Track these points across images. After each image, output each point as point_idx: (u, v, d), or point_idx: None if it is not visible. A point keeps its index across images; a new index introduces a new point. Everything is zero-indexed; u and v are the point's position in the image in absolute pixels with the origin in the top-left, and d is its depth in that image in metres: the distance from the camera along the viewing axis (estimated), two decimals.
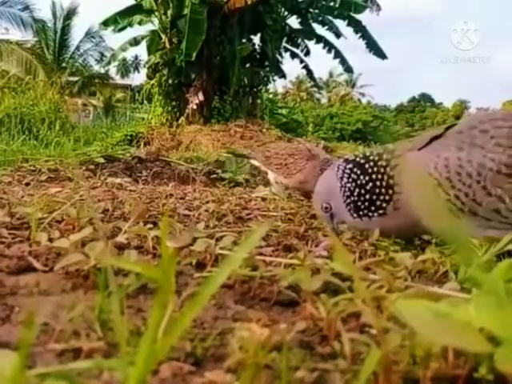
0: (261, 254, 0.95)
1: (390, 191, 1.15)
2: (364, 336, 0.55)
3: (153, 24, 12.02)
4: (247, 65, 11.92)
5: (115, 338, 0.55)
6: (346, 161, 1.23)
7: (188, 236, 1.01)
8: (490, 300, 0.44)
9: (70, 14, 19.72)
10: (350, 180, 1.20)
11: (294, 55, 13.27)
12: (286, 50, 13.18)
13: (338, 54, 12.79)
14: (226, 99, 11.43)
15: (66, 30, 19.92)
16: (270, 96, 15.92)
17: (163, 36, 11.39)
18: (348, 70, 13.45)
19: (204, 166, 3.52)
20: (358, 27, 12.41)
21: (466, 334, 0.42)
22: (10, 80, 9.59)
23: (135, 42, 12.70)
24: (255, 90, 12.07)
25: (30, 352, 0.52)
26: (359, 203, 1.19)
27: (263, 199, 1.96)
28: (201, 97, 11.15)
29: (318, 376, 0.50)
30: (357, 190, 1.19)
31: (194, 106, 11.16)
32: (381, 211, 1.16)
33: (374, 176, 1.17)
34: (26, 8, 18.03)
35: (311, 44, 13.05)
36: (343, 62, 12.91)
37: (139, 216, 1.19)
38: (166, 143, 9.88)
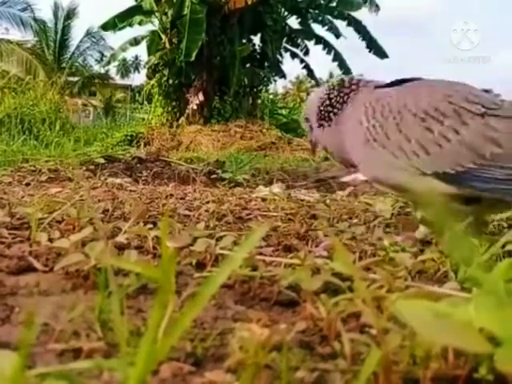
0: (261, 254, 0.95)
1: (339, 106, 1.32)
2: (364, 336, 0.55)
3: (153, 24, 12.03)
4: (247, 65, 11.91)
5: (115, 338, 0.55)
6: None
7: (188, 236, 1.01)
8: (489, 300, 0.44)
9: (70, 14, 19.73)
10: (324, 94, 1.37)
11: (294, 55, 13.27)
12: (286, 50, 13.18)
13: (338, 56, 12.78)
14: (226, 99, 11.42)
15: (66, 30, 19.93)
16: (270, 96, 15.91)
17: (163, 36, 11.39)
18: (347, 72, 13.42)
19: (204, 167, 3.52)
20: (358, 27, 12.40)
21: (466, 334, 0.42)
22: (11, 80, 9.59)
23: (135, 42, 12.70)
24: (255, 90, 12.07)
25: (30, 352, 0.52)
26: (322, 112, 1.35)
27: (263, 199, 1.96)
28: (201, 97, 11.14)
29: (317, 376, 0.50)
30: (327, 101, 1.35)
31: (194, 107, 11.16)
32: (330, 122, 1.33)
33: (340, 94, 1.33)
34: (26, 8, 18.05)
35: (311, 44, 13.06)
36: (342, 64, 12.89)
37: (139, 216, 1.19)
38: (166, 143, 9.88)
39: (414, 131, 1.13)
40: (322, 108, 1.35)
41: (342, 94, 1.33)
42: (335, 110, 1.32)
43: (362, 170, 1.31)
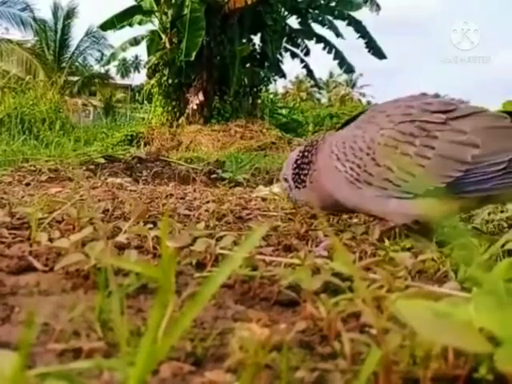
0: (261, 254, 0.95)
1: (308, 167, 1.36)
2: (364, 336, 0.55)
3: (153, 24, 12.03)
4: (247, 65, 11.91)
5: (115, 338, 0.55)
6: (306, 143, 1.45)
7: (188, 236, 1.01)
8: (490, 300, 0.44)
9: (70, 13, 19.73)
10: (295, 157, 1.43)
11: (294, 55, 13.27)
12: (286, 49, 13.18)
13: (338, 55, 12.78)
14: (226, 99, 11.43)
15: (66, 29, 19.93)
16: (271, 96, 15.91)
17: (163, 36, 11.39)
18: (348, 70, 13.42)
19: (204, 166, 3.52)
20: (358, 27, 12.40)
21: (466, 334, 0.42)
22: (11, 80, 9.59)
23: (135, 41, 12.70)
24: (255, 90, 12.07)
25: (30, 352, 0.52)
26: (294, 176, 1.42)
27: (263, 199, 1.96)
28: (201, 97, 11.15)
29: (318, 376, 0.50)
30: (294, 165, 1.41)
31: (195, 106, 11.16)
32: (304, 184, 1.38)
33: (305, 154, 1.39)
34: (26, 8, 18.05)
35: (311, 44, 13.06)
36: (343, 62, 12.89)
37: (139, 216, 1.19)
38: (167, 143, 9.89)
39: (391, 160, 1.15)
40: (294, 172, 1.42)
41: (306, 154, 1.38)
42: (304, 172, 1.38)
43: (358, 209, 1.33)
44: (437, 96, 1.27)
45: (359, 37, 12.43)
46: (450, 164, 1.11)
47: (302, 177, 1.38)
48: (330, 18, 12.66)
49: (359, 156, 1.20)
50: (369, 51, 12.60)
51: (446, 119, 1.13)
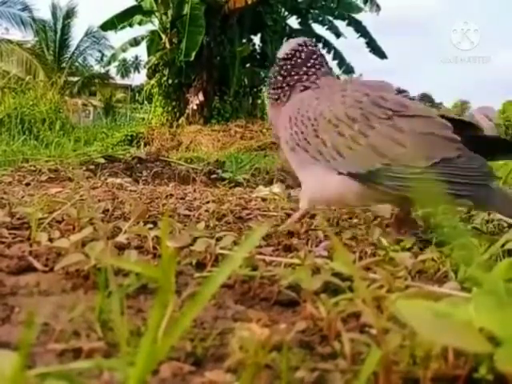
0: (261, 254, 0.95)
1: (288, 88, 1.39)
2: (364, 336, 0.55)
3: (153, 24, 12.03)
4: (247, 65, 11.91)
5: (115, 338, 0.55)
6: None
7: (188, 236, 1.01)
8: (490, 300, 0.44)
9: (69, 13, 19.72)
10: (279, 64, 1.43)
11: None
12: None
13: (338, 55, 12.78)
14: (226, 99, 11.42)
15: (65, 29, 19.91)
16: None
17: (163, 36, 11.39)
18: (347, 71, 13.40)
19: (204, 166, 3.52)
20: (358, 27, 12.41)
21: (466, 334, 0.42)
22: (11, 80, 9.59)
23: (135, 42, 12.70)
24: (255, 90, 12.07)
25: (30, 352, 0.52)
26: (272, 92, 1.43)
27: (263, 199, 1.96)
28: (201, 97, 11.14)
29: (318, 376, 0.50)
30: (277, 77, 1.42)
31: (195, 107, 11.16)
32: (278, 101, 1.41)
33: (288, 62, 1.40)
34: (26, 8, 18.04)
35: None
36: (342, 63, 12.88)
37: (139, 216, 1.19)
38: (167, 143, 9.88)
39: (329, 136, 1.23)
40: (273, 87, 1.43)
41: (292, 70, 1.39)
42: (282, 93, 1.40)
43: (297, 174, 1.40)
44: (401, 92, 1.30)
45: (359, 36, 12.44)
46: (375, 155, 1.17)
47: (281, 96, 1.41)
48: (330, 18, 12.66)
49: (306, 124, 1.28)
50: (370, 51, 12.60)
51: (392, 115, 1.18)
